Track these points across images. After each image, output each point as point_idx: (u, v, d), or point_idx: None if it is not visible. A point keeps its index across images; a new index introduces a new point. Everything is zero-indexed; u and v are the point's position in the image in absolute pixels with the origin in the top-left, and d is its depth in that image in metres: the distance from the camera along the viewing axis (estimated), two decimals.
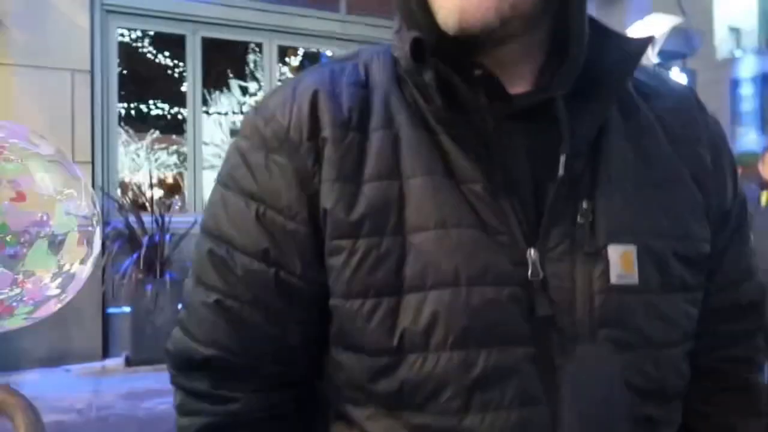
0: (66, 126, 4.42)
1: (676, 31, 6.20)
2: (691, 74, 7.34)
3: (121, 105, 5.41)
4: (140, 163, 8.25)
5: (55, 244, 1.21)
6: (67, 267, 1.28)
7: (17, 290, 1.17)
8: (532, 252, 0.58)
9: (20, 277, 1.18)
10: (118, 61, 4.92)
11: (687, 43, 6.94)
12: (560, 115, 0.58)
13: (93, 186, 4.47)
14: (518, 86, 0.61)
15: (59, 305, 1.30)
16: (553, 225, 0.58)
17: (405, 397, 0.58)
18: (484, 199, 0.58)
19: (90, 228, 1.30)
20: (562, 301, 0.58)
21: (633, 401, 0.59)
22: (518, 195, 0.59)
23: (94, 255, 1.34)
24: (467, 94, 0.57)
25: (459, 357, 0.56)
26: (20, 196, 1.22)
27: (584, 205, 0.59)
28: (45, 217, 1.20)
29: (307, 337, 0.63)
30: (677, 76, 7.29)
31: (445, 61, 0.57)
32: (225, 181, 0.64)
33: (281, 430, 0.65)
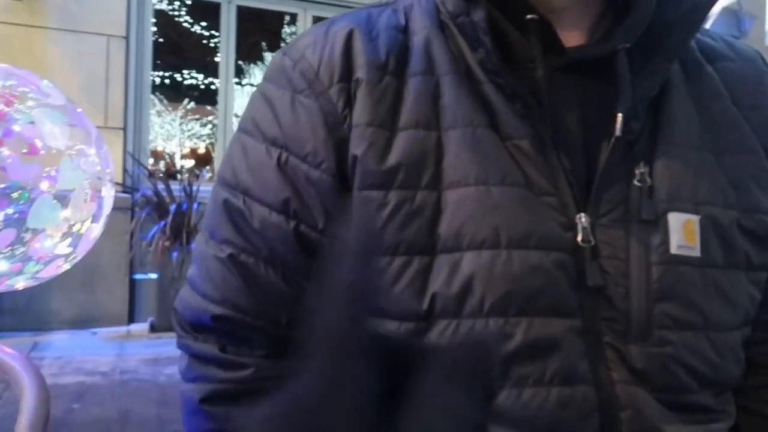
0: (100, 91, 4.44)
1: (727, 12, 5.95)
2: None
3: (155, 73, 5.42)
4: (173, 133, 8.31)
5: (62, 200, 1.17)
6: (77, 226, 1.24)
7: (22, 248, 1.14)
8: (582, 217, 0.52)
9: (27, 235, 1.14)
10: (153, 28, 4.91)
11: (737, 25, 6.65)
12: (621, 71, 0.53)
13: (124, 152, 4.50)
14: (573, 37, 0.57)
15: (67, 265, 1.26)
16: (606, 188, 0.53)
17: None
18: (531, 157, 0.53)
19: (101, 185, 1.26)
20: (614, 272, 0.52)
21: (690, 387, 0.54)
22: (569, 154, 0.54)
23: (105, 214, 1.30)
24: (519, 41, 0.53)
25: (496, 325, 0.51)
26: (33, 149, 1.18)
27: (641, 168, 0.54)
28: (53, 172, 1.16)
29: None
30: None
31: (495, 3, 0.53)
32: (245, 126, 0.59)
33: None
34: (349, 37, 0.56)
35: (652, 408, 0.52)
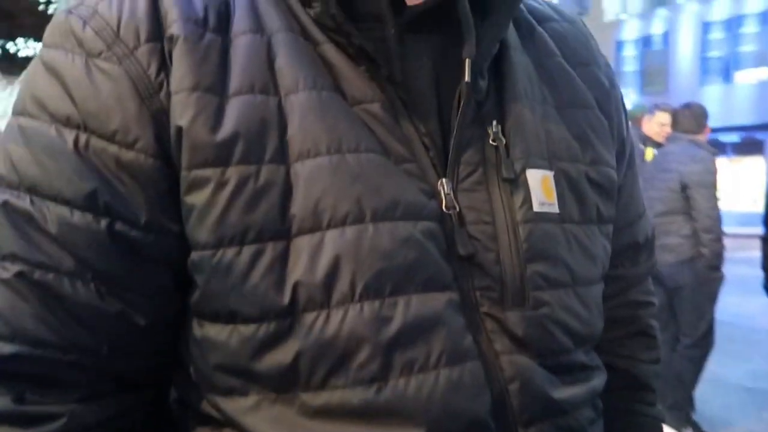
0: None
1: None
2: None
3: None
4: (8, 111, 7.52)
5: None
6: None
7: None
8: (444, 182, 0.49)
9: None
10: None
11: (579, 2, 7.16)
12: (464, 17, 0.50)
13: None
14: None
15: None
16: (463, 151, 0.51)
17: (302, 372, 0.45)
18: (384, 121, 0.48)
19: None
20: (483, 237, 0.49)
21: (567, 347, 0.53)
22: (423, 118, 0.50)
23: None
24: None
25: (371, 309, 0.45)
26: None
27: (494, 127, 0.52)
28: None
29: (159, 314, 0.48)
30: None
31: None
32: (23, 107, 0.47)
33: None
34: None
35: (538, 375, 0.50)
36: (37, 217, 0.45)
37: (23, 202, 0.45)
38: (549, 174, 0.53)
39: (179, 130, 0.45)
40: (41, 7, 6.59)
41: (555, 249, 0.52)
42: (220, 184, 0.45)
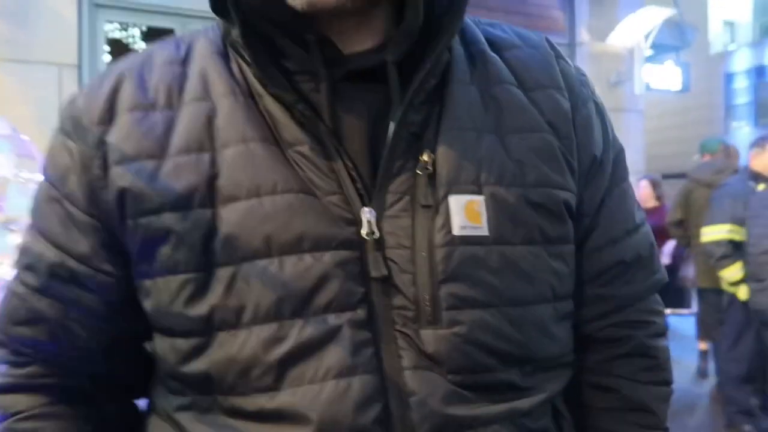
0: (53, 121, 4.36)
1: (669, 24, 6.15)
2: (685, 67, 7.31)
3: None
4: None
5: (9, 227, 1.16)
6: None
7: None
8: (366, 210, 0.54)
9: None
10: (107, 57, 4.86)
11: (680, 36, 6.90)
12: (391, 82, 0.56)
13: None
14: (363, 39, 0.59)
15: None
16: (390, 180, 0.55)
17: (215, 379, 0.55)
18: (312, 160, 0.55)
19: None
20: (400, 260, 0.54)
21: (489, 366, 0.55)
22: (351, 154, 0.56)
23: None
24: (298, 55, 0.55)
25: (269, 331, 0.53)
26: None
27: (425, 157, 0.56)
28: (0, 200, 1.16)
29: (97, 331, 0.61)
30: (671, 69, 7.27)
31: (269, 19, 0.55)
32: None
33: (75, 401, 0.63)
34: (117, 82, 0.59)
35: (444, 390, 0.53)
36: (30, 244, 0.60)
37: (29, 235, 0.62)
38: (477, 198, 0.56)
39: (122, 190, 0.56)
40: None
41: (475, 270, 0.55)
42: (158, 228, 0.55)
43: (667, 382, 0.69)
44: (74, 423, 0.63)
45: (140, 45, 7.19)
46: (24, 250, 0.61)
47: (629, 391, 0.67)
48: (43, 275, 0.59)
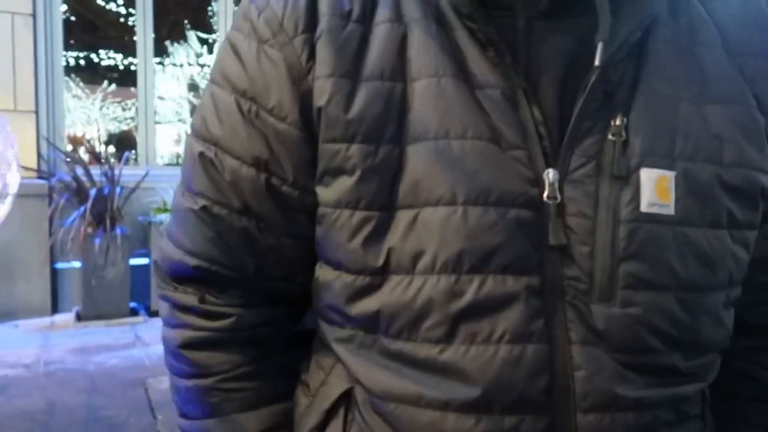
0: (7, 72, 4.21)
1: None
2: None
3: (69, 53, 5.17)
4: (94, 117, 7.97)
5: None
6: None
7: None
8: (550, 172, 0.51)
9: None
10: (63, 6, 4.68)
11: None
12: (601, 5, 0.51)
13: (38, 137, 4.31)
14: None
15: None
16: (579, 142, 0.52)
17: (383, 321, 0.53)
18: (501, 107, 0.52)
19: (3, 165, 1.22)
20: (579, 230, 0.51)
21: (655, 348, 0.52)
22: (543, 106, 0.52)
23: (11, 194, 1.26)
24: None
25: (447, 282, 0.51)
26: None
27: (617, 121, 0.52)
28: None
29: (303, 249, 0.59)
30: None
31: None
32: (215, 76, 0.59)
33: (270, 353, 0.63)
34: None
35: (609, 369, 0.51)
36: (218, 165, 0.57)
37: (210, 153, 0.58)
38: (668, 174, 0.52)
39: (319, 109, 0.54)
40: (122, 20, 6.99)
41: (657, 251, 0.51)
42: (345, 158, 0.53)
43: None
44: (275, 379, 0.63)
45: None
46: (203, 167, 0.58)
47: None
48: (238, 197, 0.57)
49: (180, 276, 0.61)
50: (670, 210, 0.52)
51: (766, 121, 0.56)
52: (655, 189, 0.52)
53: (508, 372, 0.51)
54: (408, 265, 0.52)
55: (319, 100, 0.53)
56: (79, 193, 4.20)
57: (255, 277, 0.60)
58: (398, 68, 0.53)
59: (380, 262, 0.52)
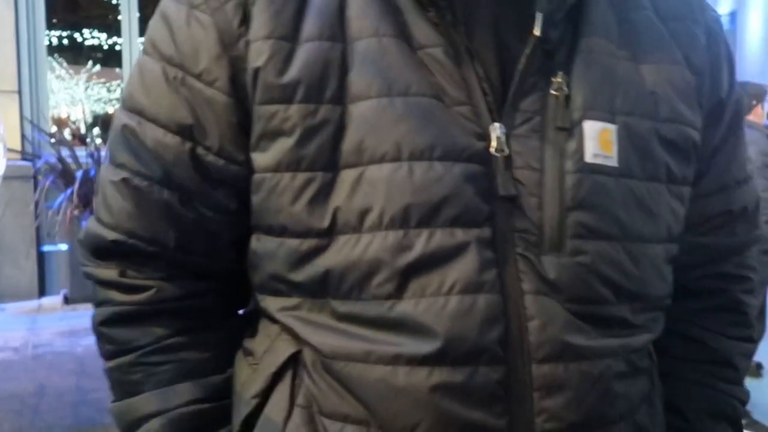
0: None
1: None
2: None
3: (52, 33, 5.07)
4: (78, 98, 7.86)
5: None
6: None
7: None
8: (497, 126, 0.52)
9: None
10: None
11: None
12: None
13: (21, 118, 4.24)
14: None
15: None
16: (522, 98, 0.53)
17: (332, 283, 0.53)
18: (444, 65, 0.53)
19: None
20: (528, 182, 0.52)
21: (606, 299, 0.54)
22: (485, 63, 0.53)
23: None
24: None
25: (395, 238, 0.51)
26: None
27: (559, 78, 0.53)
28: None
29: (227, 224, 0.58)
30: None
31: None
32: (145, 46, 0.58)
33: (196, 326, 0.61)
34: None
35: (562, 319, 0.52)
36: (141, 135, 0.56)
37: (133, 122, 0.56)
38: (610, 127, 0.54)
39: (255, 70, 0.53)
40: None
41: (604, 201, 0.53)
42: (283, 119, 0.52)
43: (753, 339, 0.69)
44: (205, 352, 0.61)
45: None
46: (125, 139, 0.57)
47: (716, 345, 0.66)
48: (160, 167, 0.56)
49: (101, 251, 0.60)
50: (614, 162, 0.53)
51: (696, 80, 0.59)
52: (599, 141, 0.53)
53: (460, 323, 0.51)
54: (355, 223, 0.52)
55: (256, 61, 0.53)
56: (64, 175, 4.16)
57: (176, 250, 0.58)
58: (338, 28, 0.53)
59: (326, 222, 0.52)
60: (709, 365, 0.67)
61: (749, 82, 3.19)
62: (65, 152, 4.26)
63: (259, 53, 0.52)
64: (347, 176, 0.52)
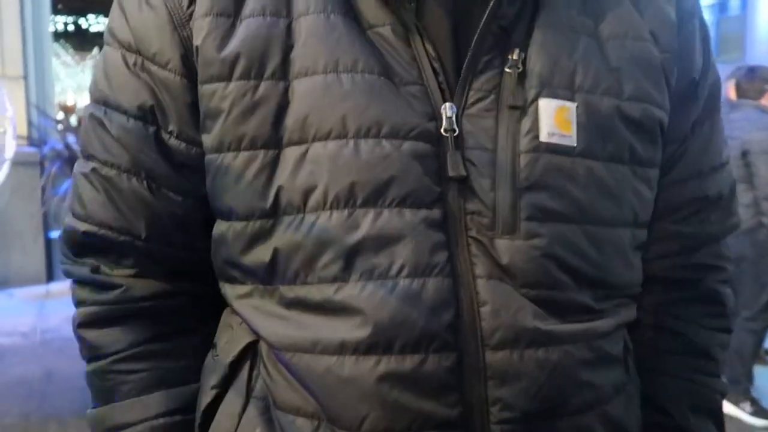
0: None
1: None
2: None
3: (57, 18, 5.05)
4: (85, 85, 7.86)
5: None
6: None
7: None
8: (447, 106, 0.51)
9: None
10: None
11: None
12: None
13: (27, 104, 4.24)
14: None
15: None
16: (476, 76, 0.52)
17: (279, 267, 0.52)
18: (393, 45, 0.52)
19: None
20: (480, 162, 0.51)
21: (565, 284, 0.52)
22: (437, 41, 0.52)
23: (7, 159, 1.24)
24: None
25: (340, 217, 0.50)
26: None
27: (515, 55, 0.52)
28: None
29: (197, 210, 0.57)
30: None
31: None
32: (105, 36, 0.58)
33: (169, 332, 0.60)
34: None
35: (517, 304, 0.51)
36: (107, 124, 0.56)
37: (99, 112, 0.56)
38: (568, 105, 0.52)
39: (197, 49, 0.52)
40: None
41: (560, 182, 0.51)
42: (222, 97, 0.52)
43: (729, 330, 0.67)
44: (179, 360, 0.60)
45: None
46: (93, 130, 0.56)
47: (693, 336, 0.64)
48: (127, 154, 0.55)
49: (76, 246, 0.59)
50: (572, 141, 0.52)
51: (663, 57, 0.57)
52: (555, 119, 0.51)
53: (407, 308, 0.49)
54: (298, 202, 0.51)
55: (197, 39, 0.52)
56: (71, 161, 4.15)
57: (147, 241, 0.57)
58: (282, 4, 0.53)
59: (269, 203, 0.51)
60: (687, 357, 0.65)
61: (761, 65, 3.14)
62: (72, 139, 4.25)
63: (200, 30, 0.52)
64: (291, 154, 0.51)
